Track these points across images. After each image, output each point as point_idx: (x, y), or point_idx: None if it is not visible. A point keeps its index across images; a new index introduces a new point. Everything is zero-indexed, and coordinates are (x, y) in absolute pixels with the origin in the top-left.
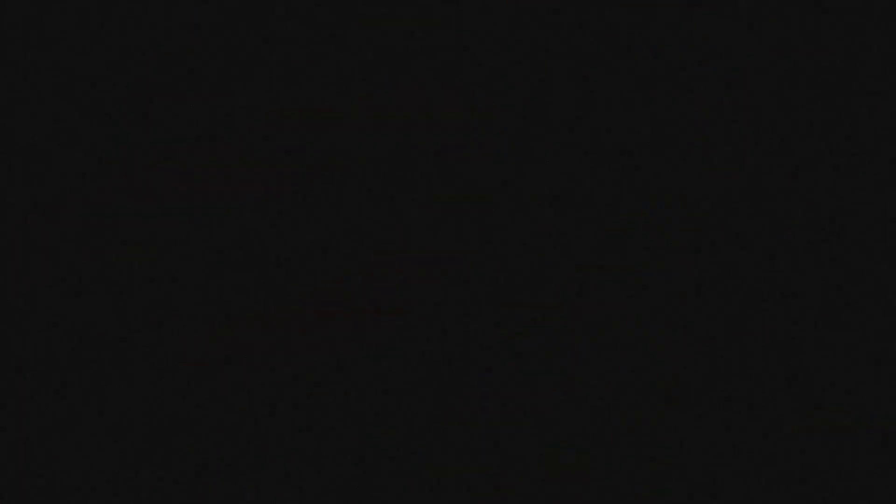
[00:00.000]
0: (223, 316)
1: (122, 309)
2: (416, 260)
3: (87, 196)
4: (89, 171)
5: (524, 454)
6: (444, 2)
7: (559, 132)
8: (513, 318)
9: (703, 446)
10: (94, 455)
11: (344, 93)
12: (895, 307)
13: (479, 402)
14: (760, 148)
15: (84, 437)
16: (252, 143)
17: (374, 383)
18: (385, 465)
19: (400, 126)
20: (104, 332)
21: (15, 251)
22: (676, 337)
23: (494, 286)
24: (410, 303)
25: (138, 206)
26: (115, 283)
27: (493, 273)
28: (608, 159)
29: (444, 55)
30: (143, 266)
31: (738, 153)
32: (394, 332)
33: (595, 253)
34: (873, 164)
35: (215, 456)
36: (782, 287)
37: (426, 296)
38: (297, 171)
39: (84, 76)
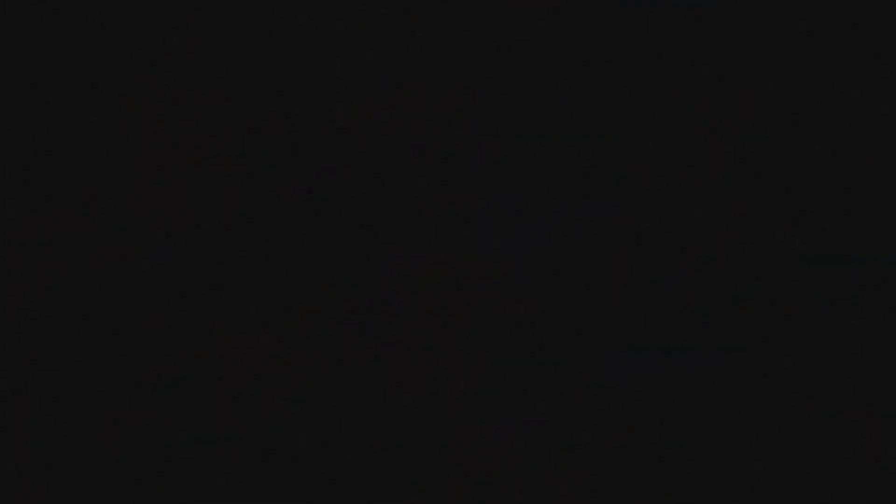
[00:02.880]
0: (223, 318)
1: (122, 310)
2: (416, 261)
3: (86, 196)
4: (89, 171)
5: (525, 455)
6: (443, 2)
7: (561, 133)
8: (514, 319)
9: (704, 447)
10: (94, 455)
11: (345, 93)
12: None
13: (480, 403)
14: (760, 150)
15: (83, 437)
16: (251, 142)
17: (375, 384)
18: (386, 467)
19: (400, 126)
20: (103, 332)
21: (15, 251)
22: (678, 338)
23: (495, 287)
24: (410, 304)
25: (137, 206)
26: (115, 284)
27: (493, 274)
28: (609, 160)
29: (444, 55)
30: (143, 266)
31: (736, 154)
32: (393, 334)
33: (597, 254)
34: (873, 165)
35: (216, 457)
36: (782, 288)
37: (426, 297)
38: (296, 171)
39: (83, 75)
